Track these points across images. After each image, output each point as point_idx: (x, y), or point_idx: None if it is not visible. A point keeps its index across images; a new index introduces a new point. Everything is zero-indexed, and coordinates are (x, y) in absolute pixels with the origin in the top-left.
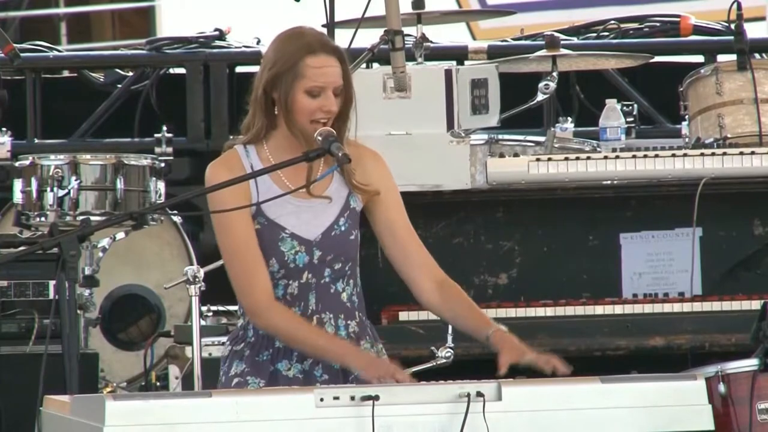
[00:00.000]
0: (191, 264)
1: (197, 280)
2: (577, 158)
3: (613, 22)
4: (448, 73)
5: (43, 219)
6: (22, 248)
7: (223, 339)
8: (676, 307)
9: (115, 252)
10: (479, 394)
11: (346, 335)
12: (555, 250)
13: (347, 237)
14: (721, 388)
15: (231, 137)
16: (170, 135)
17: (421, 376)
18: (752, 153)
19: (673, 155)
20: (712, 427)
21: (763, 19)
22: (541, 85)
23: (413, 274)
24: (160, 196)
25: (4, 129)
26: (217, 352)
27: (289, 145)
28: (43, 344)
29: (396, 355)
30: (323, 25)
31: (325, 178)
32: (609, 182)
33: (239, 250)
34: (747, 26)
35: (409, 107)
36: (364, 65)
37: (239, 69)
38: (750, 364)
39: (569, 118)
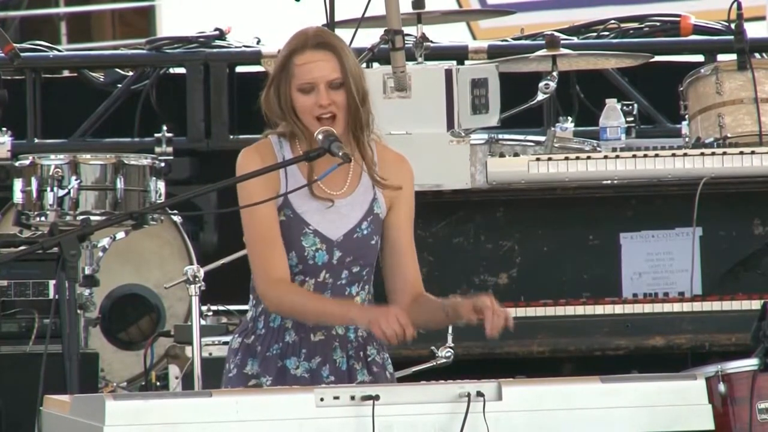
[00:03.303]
0: (191, 264)
1: (197, 279)
2: (577, 158)
3: (613, 21)
4: (448, 73)
5: (43, 219)
6: (22, 248)
7: (224, 338)
8: (676, 307)
9: (115, 252)
10: (479, 394)
11: (354, 338)
12: (555, 249)
13: (368, 241)
14: (721, 387)
15: (231, 137)
16: (170, 135)
17: (422, 376)
18: (752, 153)
19: (673, 155)
20: (712, 427)
21: (763, 18)
22: (541, 84)
23: (397, 285)
24: (160, 195)
25: (4, 129)
26: (217, 352)
27: (316, 145)
28: (43, 344)
29: (396, 355)
30: (323, 25)
31: (351, 182)
32: (609, 182)
33: (262, 236)
34: (747, 26)
35: (409, 107)
36: (364, 65)
37: (239, 69)
38: (750, 363)
39: (569, 118)
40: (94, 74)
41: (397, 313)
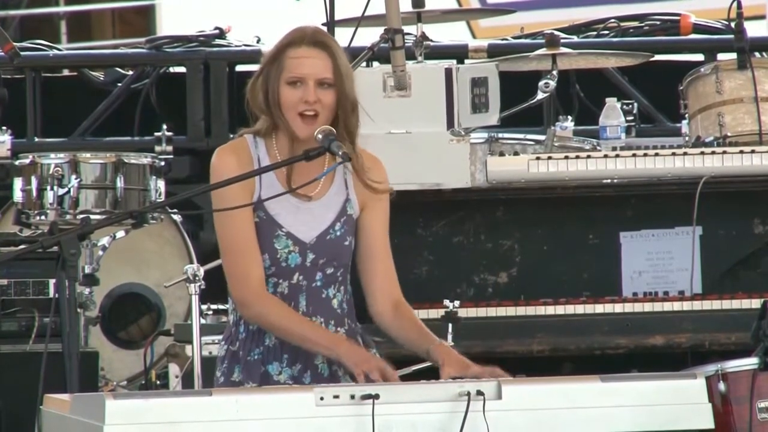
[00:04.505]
0: (191, 262)
1: (197, 278)
2: (577, 157)
3: (613, 20)
4: (448, 72)
5: (43, 218)
6: (22, 247)
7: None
8: (676, 306)
9: (115, 251)
10: (479, 393)
11: None
12: (555, 248)
13: (341, 242)
14: (721, 386)
15: (231, 136)
16: (170, 134)
17: (421, 375)
18: (752, 152)
19: (673, 154)
20: (712, 426)
21: (763, 17)
22: (541, 83)
23: (373, 288)
24: (160, 194)
25: (4, 128)
26: (217, 351)
27: (296, 142)
28: (43, 343)
29: (396, 354)
30: (323, 24)
31: (324, 183)
32: (609, 181)
33: (237, 242)
34: (747, 25)
35: (409, 106)
36: (364, 64)
37: (239, 68)
38: (750, 362)
39: (569, 117)
40: (94, 73)
41: (383, 365)
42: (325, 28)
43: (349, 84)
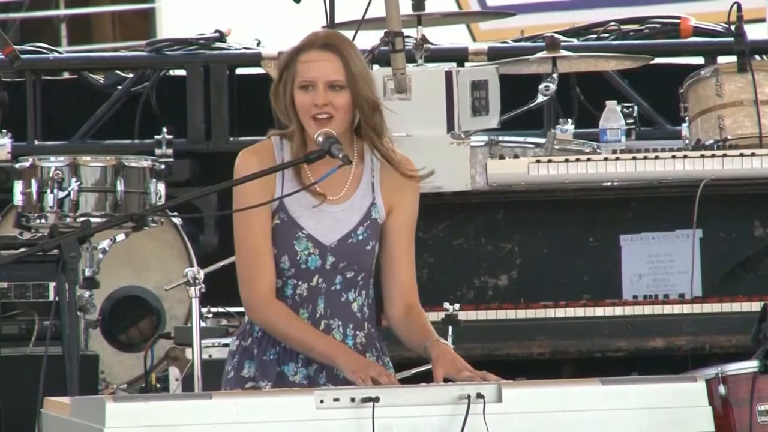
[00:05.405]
0: (191, 265)
1: (197, 281)
2: (578, 160)
3: (613, 23)
4: (448, 75)
5: (43, 220)
6: (22, 250)
7: (224, 340)
8: (677, 309)
9: (116, 253)
10: (479, 396)
11: (352, 345)
12: (555, 251)
13: (363, 247)
14: (722, 389)
15: (231, 139)
16: (170, 136)
17: (422, 378)
18: (752, 154)
19: (674, 157)
20: (712, 429)
21: (763, 20)
22: (541, 86)
23: (390, 290)
24: (160, 197)
25: (4, 130)
26: (217, 354)
27: (309, 146)
28: (44, 346)
29: (396, 356)
30: (323, 27)
31: (349, 186)
32: (609, 184)
33: (251, 244)
34: (747, 28)
35: (410, 109)
36: None
37: (239, 71)
38: (750, 365)
39: (569, 120)
40: (94, 76)
41: (381, 371)
42: None
43: (365, 85)
